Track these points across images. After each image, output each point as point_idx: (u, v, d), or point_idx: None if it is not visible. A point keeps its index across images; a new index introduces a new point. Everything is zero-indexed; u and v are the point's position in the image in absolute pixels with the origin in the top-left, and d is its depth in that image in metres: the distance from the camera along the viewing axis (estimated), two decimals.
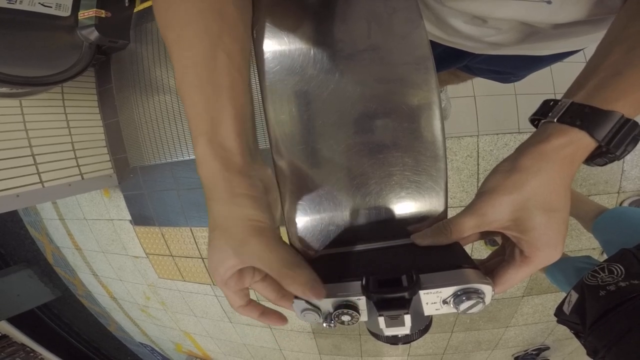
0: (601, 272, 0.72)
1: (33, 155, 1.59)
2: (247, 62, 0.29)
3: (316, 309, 0.27)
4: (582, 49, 0.54)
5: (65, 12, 1.55)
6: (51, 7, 1.50)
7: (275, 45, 0.33)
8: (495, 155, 1.45)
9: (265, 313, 0.31)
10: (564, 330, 1.78)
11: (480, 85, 1.41)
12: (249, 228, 0.26)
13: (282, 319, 0.32)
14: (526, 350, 1.88)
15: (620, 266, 0.70)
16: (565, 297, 0.79)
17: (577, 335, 0.76)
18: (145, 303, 2.48)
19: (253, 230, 0.26)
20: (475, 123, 1.44)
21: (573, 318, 0.73)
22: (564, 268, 1.03)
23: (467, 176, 1.47)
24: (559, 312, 0.80)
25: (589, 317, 0.67)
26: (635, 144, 0.25)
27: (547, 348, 1.86)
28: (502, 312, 1.75)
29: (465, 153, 1.45)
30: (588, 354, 0.70)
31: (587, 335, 0.67)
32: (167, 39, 0.28)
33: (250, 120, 0.29)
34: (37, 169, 1.60)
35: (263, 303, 0.33)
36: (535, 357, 1.87)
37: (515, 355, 1.92)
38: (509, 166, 0.26)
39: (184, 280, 2.11)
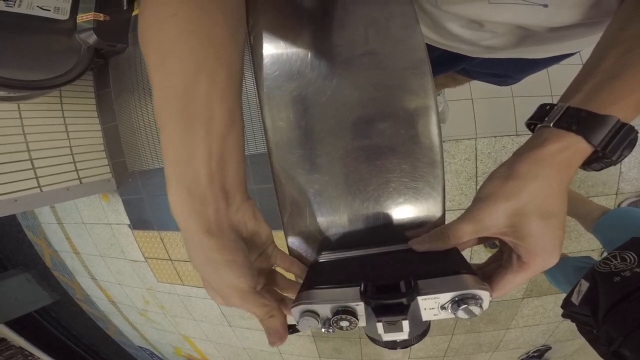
0: (613, 260, 0.71)
1: (31, 160, 1.59)
2: (234, 87, 0.27)
3: (315, 314, 0.27)
4: (579, 52, 0.54)
5: (64, 16, 1.55)
6: (49, 10, 1.51)
7: (273, 51, 0.33)
8: (494, 157, 1.45)
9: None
10: (564, 332, 1.79)
11: (478, 88, 1.41)
12: (227, 289, 0.27)
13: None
14: (527, 353, 1.87)
15: (633, 253, 0.69)
16: (574, 288, 0.77)
17: (584, 328, 0.74)
18: (144, 307, 2.47)
19: (232, 292, 0.27)
20: (473, 126, 1.44)
21: (582, 309, 0.72)
22: (563, 268, 1.03)
23: (466, 179, 1.47)
24: (566, 304, 0.78)
25: (603, 305, 0.66)
26: (632, 149, 0.25)
27: (549, 348, 1.85)
28: (503, 314, 1.75)
29: (463, 156, 1.45)
30: (600, 344, 0.68)
31: (602, 324, 0.65)
32: (148, 61, 0.26)
33: (235, 156, 0.27)
34: (35, 174, 1.59)
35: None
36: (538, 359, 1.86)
37: (520, 358, 1.91)
38: (506, 172, 0.26)
39: (183, 284, 2.10)
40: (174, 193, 0.25)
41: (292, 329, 0.30)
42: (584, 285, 0.74)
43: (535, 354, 1.85)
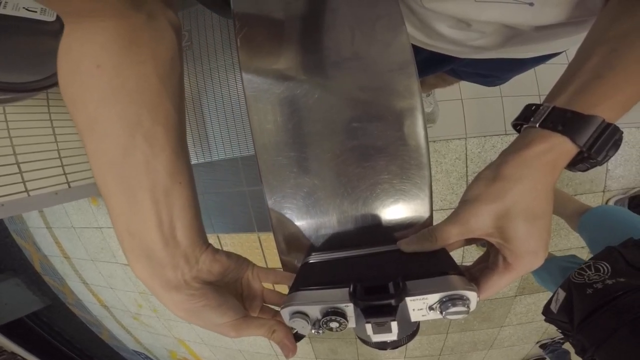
0: (588, 270, 0.72)
1: (18, 164, 1.56)
2: (175, 142, 0.26)
3: (304, 316, 0.27)
4: (565, 51, 0.55)
5: (51, 17, 1.52)
6: (36, 12, 1.48)
7: (259, 53, 0.33)
8: (483, 157, 1.46)
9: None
10: (556, 329, 1.81)
11: (467, 88, 1.43)
12: (219, 329, 0.29)
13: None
14: (553, 339, 1.86)
15: (607, 264, 0.70)
16: (553, 296, 0.79)
17: (565, 334, 0.76)
18: (137, 311, 2.45)
19: (224, 329, 0.29)
20: (463, 126, 1.45)
21: (561, 317, 0.74)
22: (549, 268, 1.05)
23: (456, 178, 1.49)
24: (546, 311, 0.80)
25: (577, 315, 0.68)
26: (617, 149, 0.25)
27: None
28: (496, 312, 1.77)
29: (453, 156, 1.46)
30: (577, 353, 0.70)
31: (576, 333, 0.68)
32: (75, 121, 0.23)
33: (182, 213, 0.26)
34: (22, 178, 1.56)
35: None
36: (561, 346, 1.86)
37: (541, 343, 1.89)
38: (492, 174, 0.26)
39: None
40: (133, 260, 0.26)
41: (297, 336, 0.31)
42: (561, 294, 0.76)
43: (561, 340, 1.85)
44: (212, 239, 1.80)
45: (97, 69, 0.22)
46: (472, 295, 0.24)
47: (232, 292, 0.31)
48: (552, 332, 1.84)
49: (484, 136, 1.45)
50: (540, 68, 0.63)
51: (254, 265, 0.33)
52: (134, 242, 0.25)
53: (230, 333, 0.29)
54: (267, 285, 0.34)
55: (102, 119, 0.23)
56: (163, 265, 0.26)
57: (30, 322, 3.03)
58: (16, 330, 2.80)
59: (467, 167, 1.47)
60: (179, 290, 0.26)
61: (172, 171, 0.25)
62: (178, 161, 0.26)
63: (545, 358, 1.94)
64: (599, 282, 0.67)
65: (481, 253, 0.33)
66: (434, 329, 1.87)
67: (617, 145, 0.25)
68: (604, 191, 1.48)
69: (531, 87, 1.39)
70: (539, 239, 0.26)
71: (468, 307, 0.24)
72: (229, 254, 0.31)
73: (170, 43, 0.26)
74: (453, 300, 0.24)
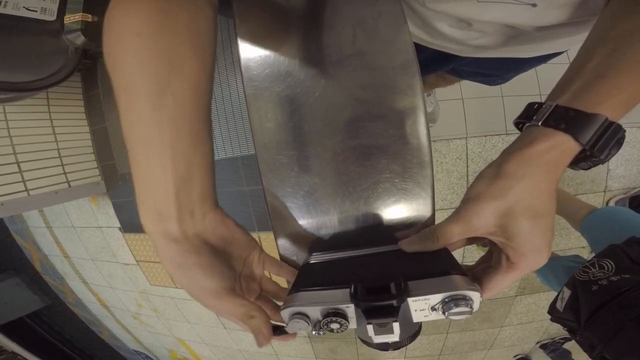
0: (592, 268, 0.72)
1: (18, 163, 1.56)
2: (201, 108, 0.28)
3: (305, 317, 0.27)
4: (566, 51, 0.54)
5: (51, 17, 1.52)
6: (36, 11, 1.48)
7: (260, 51, 0.32)
8: (484, 157, 1.46)
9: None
10: (558, 329, 1.81)
11: (468, 88, 1.43)
12: (201, 293, 0.28)
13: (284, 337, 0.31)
14: (553, 339, 1.87)
15: (610, 261, 0.71)
16: (558, 295, 0.79)
17: (572, 332, 0.76)
18: (137, 310, 2.45)
19: (206, 295, 0.28)
20: (463, 125, 1.45)
21: (567, 315, 0.74)
22: (553, 267, 1.04)
23: (457, 178, 1.48)
24: (552, 310, 0.80)
25: (583, 313, 0.68)
26: (619, 148, 0.25)
27: (571, 338, 1.85)
28: (496, 312, 1.76)
29: (454, 155, 1.46)
30: (584, 350, 0.70)
31: (583, 330, 0.67)
32: (114, 84, 0.26)
33: (200, 173, 0.28)
34: (22, 177, 1.56)
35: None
36: (561, 345, 1.86)
37: (541, 343, 1.90)
38: (494, 172, 0.26)
39: (176, 287, 2.08)
40: (144, 212, 0.27)
41: (280, 330, 0.30)
42: (566, 292, 0.76)
43: (562, 340, 1.85)
44: None
45: (136, 37, 0.25)
46: (475, 296, 0.24)
47: (231, 265, 0.31)
48: (552, 332, 1.84)
49: (485, 136, 1.45)
50: (541, 68, 0.63)
51: (262, 250, 0.33)
52: (149, 195, 0.26)
53: (209, 300, 0.28)
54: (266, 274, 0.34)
55: (136, 79, 0.25)
56: (169, 216, 0.26)
57: (30, 321, 3.04)
58: (16, 329, 2.81)
59: (467, 166, 1.47)
60: (177, 242, 0.27)
61: (194, 131, 0.27)
62: (202, 126, 0.28)
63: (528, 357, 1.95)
64: (604, 279, 0.67)
65: (482, 253, 0.33)
66: (434, 329, 1.87)
67: (619, 143, 0.25)
68: (604, 191, 1.48)
69: (532, 87, 1.38)
70: (543, 237, 0.26)
71: (471, 307, 0.24)
72: (240, 225, 0.31)
73: (205, 18, 0.28)
74: (456, 300, 0.24)
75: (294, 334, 0.30)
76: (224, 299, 0.28)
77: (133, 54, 0.25)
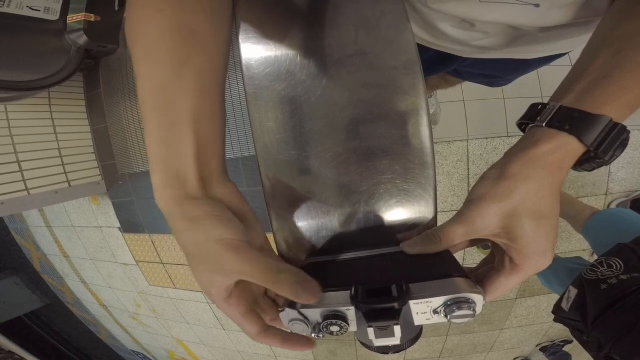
0: (600, 267, 0.72)
1: (18, 162, 1.56)
2: (217, 84, 0.28)
3: (305, 319, 0.26)
4: (569, 53, 0.54)
5: (54, 16, 1.53)
6: (39, 10, 1.48)
7: (261, 50, 0.32)
8: (485, 159, 1.46)
9: (289, 339, 0.29)
10: (558, 332, 1.80)
11: (470, 89, 1.42)
12: (218, 248, 0.25)
13: (309, 343, 0.29)
14: (553, 341, 1.86)
15: (619, 260, 0.70)
16: (564, 294, 0.78)
17: (576, 333, 0.74)
18: (136, 311, 2.44)
19: (224, 248, 0.25)
20: (465, 127, 1.45)
21: (572, 315, 0.73)
22: (556, 269, 1.04)
23: (458, 180, 1.48)
24: (557, 310, 0.79)
25: (591, 312, 0.66)
26: (624, 149, 0.25)
27: (571, 341, 1.85)
28: (497, 314, 1.76)
29: (455, 157, 1.46)
30: (591, 350, 0.69)
31: (591, 330, 0.66)
32: (134, 55, 0.27)
33: (216, 143, 0.28)
34: (23, 176, 1.56)
35: None
36: (561, 348, 1.85)
37: (541, 345, 1.89)
38: (497, 173, 0.26)
39: (175, 288, 2.08)
40: (161, 178, 0.26)
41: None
42: (573, 291, 0.75)
43: (562, 343, 1.84)
44: None
45: (159, 13, 0.26)
46: (478, 299, 0.24)
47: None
48: (552, 335, 1.83)
49: (487, 138, 1.45)
50: (544, 70, 0.62)
51: (267, 238, 0.32)
52: (168, 154, 0.26)
53: (228, 254, 0.25)
54: None
55: (157, 48, 0.26)
56: (189, 178, 0.26)
57: (28, 321, 3.03)
58: (14, 329, 2.80)
59: (469, 169, 1.47)
60: (195, 200, 0.26)
61: (212, 104, 0.27)
62: (217, 99, 0.28)
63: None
64: (613, 278, 0.66)
65: (482, 256, 0.32)
66: (434, 331, 1.86)
67: (624, 145, 0.24)
68: (606, 194, 1.47)
69: (534, 89, 1.38)
70: (547, 238, 0.25)
71: (474, 310, 0.24)
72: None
73: None
74: (458, 303, 0.23)
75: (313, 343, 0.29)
76: (244, 251, 0.25)
77: (155, 28, 0.26)
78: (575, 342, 1.67)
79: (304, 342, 0.29)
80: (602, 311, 0.64)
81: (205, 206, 0.26)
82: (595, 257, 0.81)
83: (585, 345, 0.72)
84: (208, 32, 0.27)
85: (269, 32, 0.32)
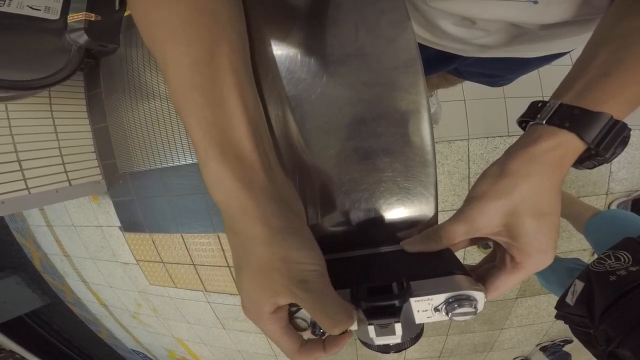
0: (607, 260, 0.71)
1: (19, 161, 1.56)
2: (249, 61, 0.27)
3: (304, 317, 0.26)
4: (569, 52, 0.54)
5: (54, 15, 1.53)
6: (40, 10, 1.48)
7: (261, 48, 0.32)
8: (486, 158, 1.46)
9: (329, 343, 0.27)
10: (558, 331, 1.80)
11: (470, 89, 1.42)
12: (294, 275, 0.23)
13: (346, 334, 0.28)
14: (553, 341, 1.86)
15: (627, 253, 0.70)
16: (568, 289, 0.77)
17: (578, 330, 0.74)
18: (136, 310, 2.44)
19: (299, 276, 0.23)
20: (465, 127, 1.45)
21: (578, 309, 0.72)
22: (555, 269, 1.04)
23: (459, 180, 1.48)
24: (560, 305, 0.78)
25: (599, 304, 0.66)
26: (624, 146, 0.25)
27: (571, 341, 1.85)
28: (497, 314, 1.76)
29: (456, 157, 1.46)
30: (598, 344, 0.67)
31: (599, 323, 0.65)
32: (157, 37, 0.24)
33: (263, 124, 0.26)
34: (23, 175, 1.56)
35: None
36: (561, 348, 1.85)
37: (541, 345, 1.89)
38: (498, 170, 0.26)
39: (176, 287, 2.08)
40: (219, 170, 0.23)
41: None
42: (579, 285, 0.74)
43: (562, 343, 1.84)
44: (212, 238, 1.79)
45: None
46: (479, 296, 0.24)
47: None
48: (552, 334, 1.83)
49: (487, 137, 1.44)
50: (544, 69, 0.62)
51: None
52: (220, 138, 0.23)
53: (302, 284, 0.23)
54: None
55: (185, 32, 0.24)
56: (252, 160, 0.23)
57: (29, 320, 3.03)
58: (15, 328, 2.81)
59: (469, 168, 1.47)
60: (269, 196, 0.23)
61: (250, 77, 0.26)
62: (251, 74, 0.27)
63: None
64: (622, 270, 0.66)
65: (483, 256, 0.32)
66: (434, 331, 1.86)
67: (625, 142, 0.24)
68: (607, 194, 1.47)
69: (535, 89, 1.38)
70: (548, 236, 0.25)
71: (475, 308, 0.24)
72: None
73: None
74: (460, 300, 0.23)
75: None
76: (316, 288, 0.23)
77: (181, 9, 0.24)
78: (575, 342, 1.66)
79: (342, 337, 0.28)
80: (611, 303, 0.63)
81: (285, 215, 0.24)
82: (596, 257, 0.81)
83: (587, 342, 0.71)
84: (232, 12, 0.26)
85: (269, 30, 0.32)
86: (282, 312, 0.25)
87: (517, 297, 1.69)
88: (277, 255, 0.23)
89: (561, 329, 1.79)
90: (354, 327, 0.26)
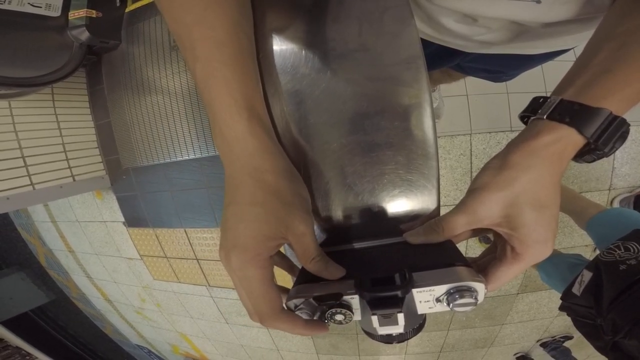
0: (617, 250, 0.71)
1: (23, 157, 1.57)
2: (254, 42, 0.31)
3: (310, 308, 0.27)
4: (573, 48, 0.54)
5: (56, 12, 1.53)
6: (41, 7, 1.48)
7: (265, 44, 0.32)
8: (488, 153, 1.46)
9: (309, 324, 0.28)
10: (558, 327, 1.80)
11: (473, 84, 1.42)
12: (304, 203, 0.28)
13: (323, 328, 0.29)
14: (554, 337, 1.86)
15: (637, 244, 0.70)
16: (576, 278, 0.77)
17: (581, 322, 0.74)
18: (140, 305, 2.47)
19: (305, 206, 0.28)
20: (468, 122, 1.45)
21: (585, 299, 0.72)
22: (557, 264, 1.04)
23: (461, 174, 1.48)
24: (567, 296, 0.78)
25: (608, 293, 0.66)
26: (623, 141, 0.25)
27: (572, 337, 1.86)
28: (498, 309, 1.76)
29: (458, 151, 1.46)
30: (598, 338, 0.68)
31: (607, 312, 0.65)
32: (182, 22, 0.27)
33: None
34: (28, 171, 1.58)
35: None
36: (562, 344, 1.85)
37: (542, 341, 1.90)
38: (499, 163, 0.26)
39: (179, 282, 2.09)
40: (247, 126, 0.27)
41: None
42: (587, 275, 0.73)
43: (562, 339, 1.85)
44: (215, 232, 1.81)
45: None
46: (479, 287, 0.24)
47: None
48: (553, 330, 1.83)
49: (489, 132, 1.44)
50: (548, 65, 0.62)
51: None
52: (246, 102, 0.27)
53: (307, 215, 0.28)
54: None
55: (210, 16, 0.26)
56: (270, 127, 0.29)
57: (34, 316, 3.07)
58: (21, 324, 2.84)
59: (471, 163, 1.47)
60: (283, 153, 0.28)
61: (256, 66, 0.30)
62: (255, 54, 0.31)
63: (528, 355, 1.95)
64: (632, 259, 0.66)
65: (483, 249, 0.33)
66: (435, 326, 1.87)
67: (623, 137, 0.25)
68: (609, 189, 1.47)
69: (538, 84, 1.37)
70: (548, 228, 0.26)
71: (476, 298, 0.24)
72: None
73: None
74: (461, 291, 0.24)
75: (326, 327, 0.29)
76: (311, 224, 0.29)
77: None
78: (576, 338, 1.66)
79: (321, 325, 0.29)
80: (620, 292, 0.64)
81: (297, 182, 0.28)
82: (597, 252, 0.81)
83: (590, 335, 0.71)
84: (243, 2, 0.29)
85: (272, 26, 0.33)
86: (271, 261, 0.28)
87: (518, 293, 1.69)
88: (296, 191, 0.28)
89: (562, 325, 1.80)
90: (357, 317, 0.27)
